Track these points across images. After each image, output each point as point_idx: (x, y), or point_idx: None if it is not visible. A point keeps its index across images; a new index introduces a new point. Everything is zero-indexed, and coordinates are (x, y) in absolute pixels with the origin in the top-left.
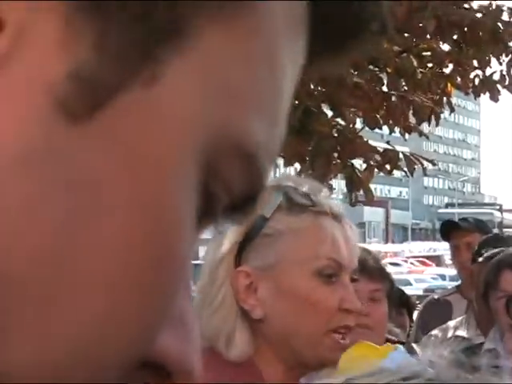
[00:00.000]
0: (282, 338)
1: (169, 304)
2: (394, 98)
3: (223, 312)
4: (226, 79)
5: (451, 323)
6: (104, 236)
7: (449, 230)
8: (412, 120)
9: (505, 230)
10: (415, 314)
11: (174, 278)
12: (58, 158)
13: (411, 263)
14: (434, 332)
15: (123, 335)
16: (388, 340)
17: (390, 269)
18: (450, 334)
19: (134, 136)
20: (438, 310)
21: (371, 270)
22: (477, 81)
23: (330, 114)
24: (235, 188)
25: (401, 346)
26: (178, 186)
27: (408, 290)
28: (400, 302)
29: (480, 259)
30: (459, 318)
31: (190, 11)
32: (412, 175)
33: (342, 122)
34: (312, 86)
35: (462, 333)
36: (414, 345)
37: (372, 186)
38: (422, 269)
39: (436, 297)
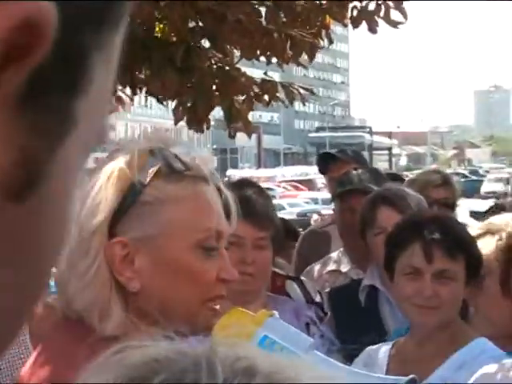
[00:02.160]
0: (159, 309)
1: None
2: (275, 35)
3: (97, 285)
4: None
5: (331, 256)
6: None
7: (326, 162)
8: (290, 52)
9: (374, 152)
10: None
11: None
12: None
13: (284, 188)
14: (315, 265)
15: None
16: (278, 274)
17: None
18: (329, 268)
19: None
20: (317, 240)
21: (257, 217)
22: (355, 12)
23: (208, 48)
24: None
25: (276, 313)
26: None
27: (281, 215)
28: (286, 237)
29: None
30: (337, 252)
31: None
32: (292, 105)
33: (221, 56)
34: (193, 23)
35: (339, 267)
36: (304, 279)
37: None
38: (295, 193)
39: (314, 227)
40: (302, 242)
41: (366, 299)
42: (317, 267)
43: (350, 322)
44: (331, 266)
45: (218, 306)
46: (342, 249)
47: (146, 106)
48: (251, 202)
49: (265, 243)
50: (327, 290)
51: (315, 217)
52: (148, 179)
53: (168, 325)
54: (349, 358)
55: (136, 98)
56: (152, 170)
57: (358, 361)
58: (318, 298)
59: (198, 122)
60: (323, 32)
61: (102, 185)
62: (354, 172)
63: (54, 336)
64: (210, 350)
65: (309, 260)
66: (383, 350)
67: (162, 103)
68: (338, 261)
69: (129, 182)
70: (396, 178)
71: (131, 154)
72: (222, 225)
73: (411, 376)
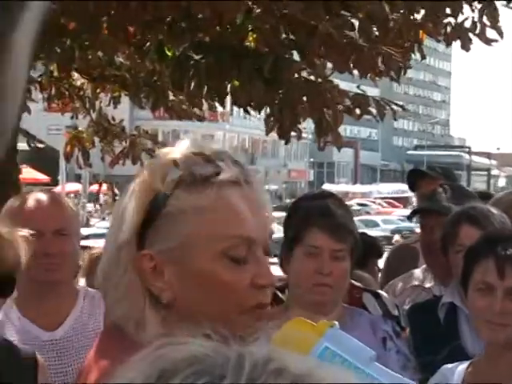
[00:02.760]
0: (194, 321)
1: None
2: (365, 50)
3: (131, 297)
4: None
5: (415, 272)
6: None
7: (415, 178)
8: (382, 66)
9: (473, 172)
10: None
11: None
12: None
13: (379, 204)
14: (397, 280)
15: None
16: (355, 286)
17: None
18: (411, 283)
19: None
20: (404, 256)
21: (336, 228)
22: (449, 28)
23: (298, 61)
24: None
25: (336, 323)
26: None
27: (375, 231)
28: (367, 253)
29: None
30: (421, 268)
31: None
32: (382, 120)
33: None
34: (284, 35)
35: (422, 283)
36: (383, 292)
37: (341, 127)
38: (390, 210)
39: (403, 242)
40: (390, 256)
41: (445, 316)
42: (399, 282)
43: (428, 339)
44: (413, 282)
45: (261, 321)
46: (425, 265)
47: (245, 117)
48: (330, 213)
49: (343, 255)
50: (407, 305)
51: (396, 237)
52: (170, 190)
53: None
54: (424, 375)
55: (235, 109)
56: (173, 180)
57: (432, 380)
58: (395, 312)
59: (284, 133)
60: (416, 46)
61: (128, 197)
62: (438, 190)
63: (103, 339)
64: (244, 350)
65: (396, 274)
66: (459, 369)
67: (248, 113)
68: (421, 277)
69: (153, 193)
70: (485, 196)
71: (156, 164)
72: (253, 233)
73: None
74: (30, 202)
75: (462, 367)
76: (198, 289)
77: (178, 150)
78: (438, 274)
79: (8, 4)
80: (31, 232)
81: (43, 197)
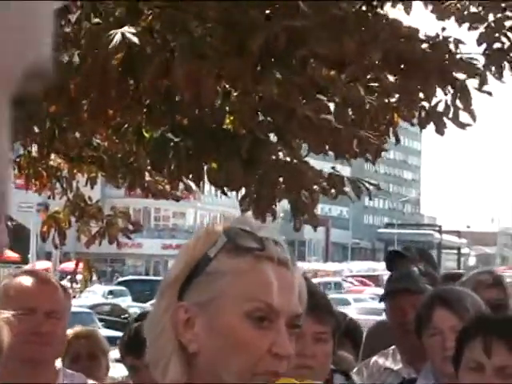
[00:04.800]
0: (214, 374)
1: None
2: (342, 132)
3: (162, 341)
4: None
5: (389, 351)
6: None
7: (393, 259)
8: (356, 149)
9: (443, 250)
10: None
11: None
12: None
13: (350, 282)
14: (374, 357)
15: None
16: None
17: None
18: (386, 364)
19: None
20: (382, 334)
21: (319, 311)
22: (423, 113)
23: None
24: None
25: (320, 383)
26: None
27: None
28: (347, 335)
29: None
30: (390, 349)
31: None
32: (359, 199)
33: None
34: (262, 118)
35: (390, 365)
36: (352, 374)
37: None
38: (362, 289)
39: (381, 320)
40: (369, 333)
41: None
42: (375, 360)
43: None
44: (388, 361)
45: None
46: (393, 347)
47: (216, 195)
48: (312, 294)
49: (325, 337)
50: None
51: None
52: (213, 253)
53: None
54: None
55: (206, 187)
56: (218, 246)
57: None
58: None
59: (260, 213)
60: (390, 130)
61: (181, 254)
62: (414, 270)
63: None
64: None
65: (376, 351)
66: None
67: (225, 194)
68: (392, 356)
69: (200, 255)
70: (455, 277)
71: (208, 232)
72: (278, 303)
73: None
74: (24, 280)
75: None
76: (220, 344)
77: (228, 224)
78: (407, 355)
79: None
80: (22, 310)
81: (38, 276)
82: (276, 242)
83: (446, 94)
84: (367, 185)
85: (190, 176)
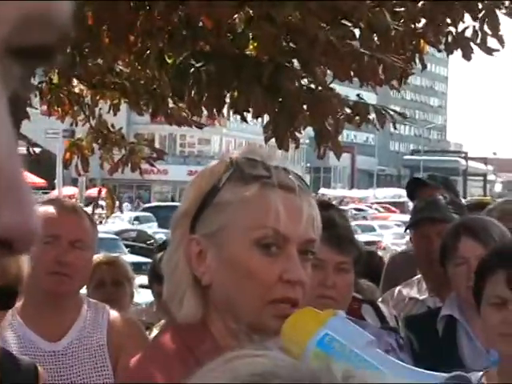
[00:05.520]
0: (226, 305)
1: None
2: (366, 58)
3: (177, 275)
4: None
5: (409, 283)
6: None
7: (415, 188)
8: (382, 75)
9: (469, 177)
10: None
11: None
12: None
13: (376, 209)
14: (398, 288)
15: None
16: (354, 298)
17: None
18: (411, 293)
19: None
20: (405, 263)
21: (340, 241)
22: (449, 38)
23: (299, 69)
24: None
25: (341, 312)
26: None
27: (372, 236)
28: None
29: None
30: (415, 279)
31: None
32: (382, 128)
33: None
34: (284, 43)
35: (415, 294)
36: (380, 304)
37: None
38: (387, 215)
39: (401, 250)
40: (390, 263)
41: (444, 329)
42: (400, 290)
43: (426, 352)
44: (413, 291)
45: (288, 310)
46: (419, 276)
47: (242, 122)
48: (333, 225)
49: (347, 267)
50: (402, 317)
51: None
52: (221, 184)
53: (236, 320)
54: None
55: (232, 114)
56: (225, 176)
57: None
58: (393, 324)
59: (280, 140)
60: (417, 56)
61: (190, 187)
62: (439, 198)
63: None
64: (324, 367)
65: (397, 281)
66: (473, 379)
67: (245, 121)
68: (415, 288)
69: (209, 187)
70: (480, 206)
71: (217, 163)
72: (288, 230)
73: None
74: (49, 208)
75: (474, 378)
76: (231, 274)
77: (237, 153)
78: (433, 285)
79: None
80: (46, 238)
81: (64, 204)
82: (285, 169)
83: (474, 20)
84: (392, 113)
85: (212, 104)
